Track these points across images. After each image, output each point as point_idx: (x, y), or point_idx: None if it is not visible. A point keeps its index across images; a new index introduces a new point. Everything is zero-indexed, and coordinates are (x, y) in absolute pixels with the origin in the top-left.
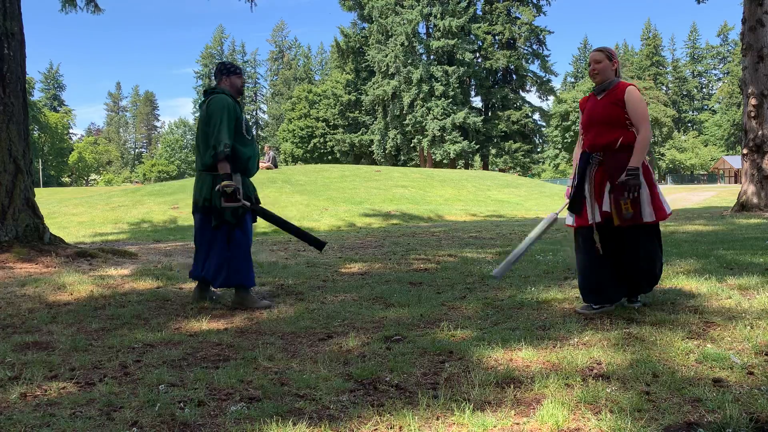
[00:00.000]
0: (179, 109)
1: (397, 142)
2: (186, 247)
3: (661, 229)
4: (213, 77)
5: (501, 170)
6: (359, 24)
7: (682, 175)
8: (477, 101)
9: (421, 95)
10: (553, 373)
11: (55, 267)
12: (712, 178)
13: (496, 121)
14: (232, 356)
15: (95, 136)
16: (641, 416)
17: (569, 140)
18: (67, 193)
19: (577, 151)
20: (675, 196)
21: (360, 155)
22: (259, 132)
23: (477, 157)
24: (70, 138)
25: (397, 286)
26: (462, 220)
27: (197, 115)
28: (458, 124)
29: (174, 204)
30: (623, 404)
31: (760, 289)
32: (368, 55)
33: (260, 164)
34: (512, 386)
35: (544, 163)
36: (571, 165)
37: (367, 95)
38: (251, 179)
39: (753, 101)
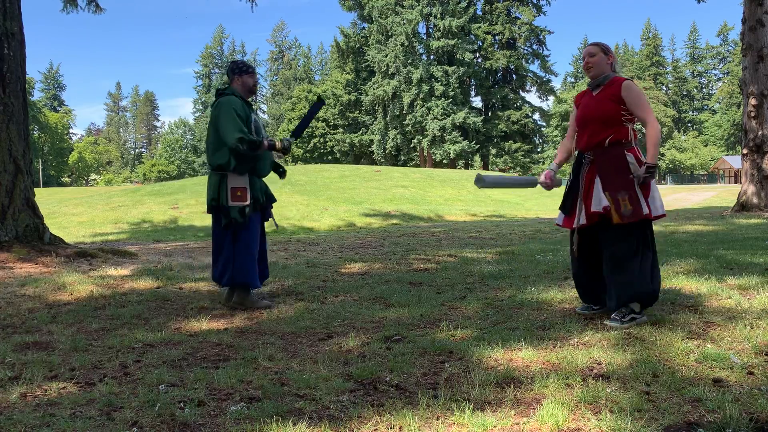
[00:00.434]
0: (179, 109)
1: (397, 142)
2: (186, 247)
3: (662, 229)
4: (226, 76)
5: (501, 170)
6: (359, 24)
7: (682, 175)
8: (477, 101)
9: (421, 95)
10: (553, 373)
11: (55, 267)
12: (712, 178)
13: (496, 121)
14: (232, 356)
15: (95, 136)
16: (641, 416)
17: None
18: (67, 193)
19: (564, 144)
20: (675, 196)
21: (360, 155)
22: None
23: (477, 157)
24: (70, 138)
25: (397, 286)
26: (462, 220)
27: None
28: (458, 124)
29: (174, 204)
30: (623, 404)
31: (760, 289)
32: (368, 55)
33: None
34: (512, 386)
35: (544, 163)
36: (571, 164)
37: (367, 95)
38: (265, 179)
39: (753, 101)
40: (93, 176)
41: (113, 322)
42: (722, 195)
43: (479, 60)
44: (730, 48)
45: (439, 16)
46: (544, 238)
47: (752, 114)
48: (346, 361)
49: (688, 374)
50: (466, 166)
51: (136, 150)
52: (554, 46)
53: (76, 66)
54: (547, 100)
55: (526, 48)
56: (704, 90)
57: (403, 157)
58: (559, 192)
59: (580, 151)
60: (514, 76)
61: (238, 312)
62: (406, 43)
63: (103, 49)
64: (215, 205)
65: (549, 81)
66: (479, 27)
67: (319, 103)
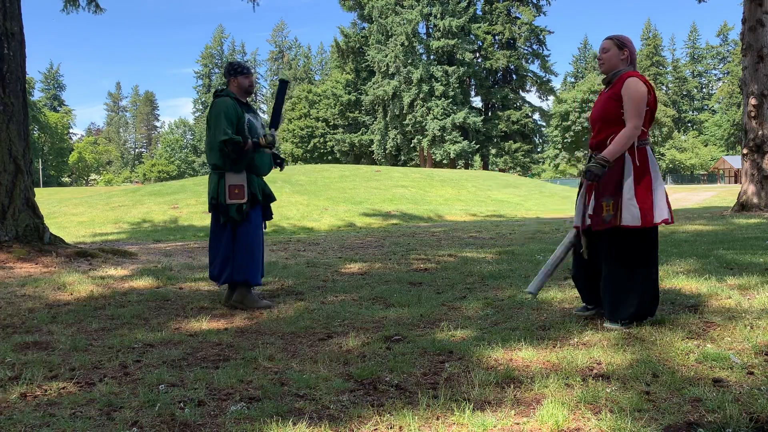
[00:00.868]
0: (179, 109)
1: (397, 142)
2: (186, 247)
3: (662, 229)
4: (224, 76)
5: (501, 170)
6: (359, 24)
7: (682, 175)
8: (477, 101)
9: (421, 95)
10: (553, 373)
11: (55, 267)
12: (712, 178)
13: (496, 121)
14: (232, 356)
15: (95, 136)
16: (641, 416)
17: (569, 140)
18: (67, 193)
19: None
20: (675, 196)
21: (360, 155)
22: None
23: (477, 157)
24: (70, 138)
25: (397, 286)
26: (462, 220)
27: (197, 115)
28: (458, 124)
29: (174, 204)
30: (623, 404)
31: (760, 289)
32: (368, 55)
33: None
34: (512, 386)
35: (544, 163)
36: (571, 164)
37: (367, 95)
38: (265, 178)
39: (753, 101)
40: (93, 176)
41: (113, 322)
42: (722, 195)
43: (479, 60)
44: (730, 48)
45: (439, 16)
46: (544, 238)
47: (752, 114)
48: (346, 361)
49: (688, 374)
50: (466, 166)
51: (136, 150)
52: (554, 46)
53: (76, 66)
54: (547, 100)
55: (526, 48)
56: (704, 90)
57: (403, 157)
58: (559, 192)
59: (590, 150)
60: (514, 76)
61: (238, 312)
62: (406, 43)
63: (103, 48)
64: (215, 203)
65: (549, 81)
66: (479, 27)
67: (283, 84)
